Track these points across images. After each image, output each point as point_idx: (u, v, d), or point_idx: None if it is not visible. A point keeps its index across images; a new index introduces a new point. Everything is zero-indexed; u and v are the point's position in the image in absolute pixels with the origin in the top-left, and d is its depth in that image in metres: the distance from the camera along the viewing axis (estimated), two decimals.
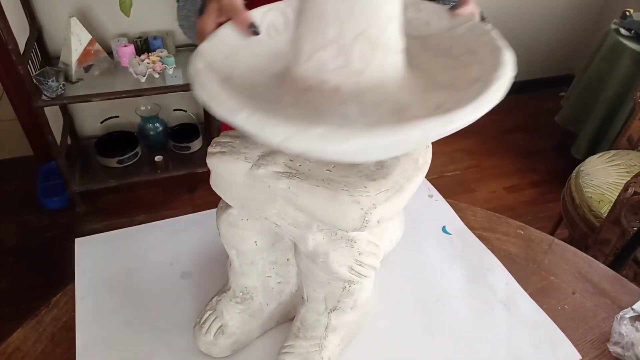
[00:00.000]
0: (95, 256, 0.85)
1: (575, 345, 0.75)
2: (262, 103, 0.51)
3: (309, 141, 0.39)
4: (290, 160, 0.55)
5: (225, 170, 0.56)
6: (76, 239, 0.88)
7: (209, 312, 0.71)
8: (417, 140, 0.42)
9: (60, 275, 1.80)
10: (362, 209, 0.51)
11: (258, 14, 0.59)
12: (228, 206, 0.63)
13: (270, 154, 0.55)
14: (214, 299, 0.72)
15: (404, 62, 0.54)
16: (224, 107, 0.43)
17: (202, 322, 0.70)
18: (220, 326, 0.69)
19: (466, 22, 0.59)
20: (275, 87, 0.54)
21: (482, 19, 0.63)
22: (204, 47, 0.52)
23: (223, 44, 0.55)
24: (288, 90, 0.52)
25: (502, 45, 0.52)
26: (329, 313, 0.67)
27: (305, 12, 0.50)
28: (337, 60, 0.49)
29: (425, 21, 0.61)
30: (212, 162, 0.57)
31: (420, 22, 0.61)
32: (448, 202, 1.01)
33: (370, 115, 0.50)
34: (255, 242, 0.64)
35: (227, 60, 0.54)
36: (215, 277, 0.80)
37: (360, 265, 0.59)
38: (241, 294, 0.70)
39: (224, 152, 0.56)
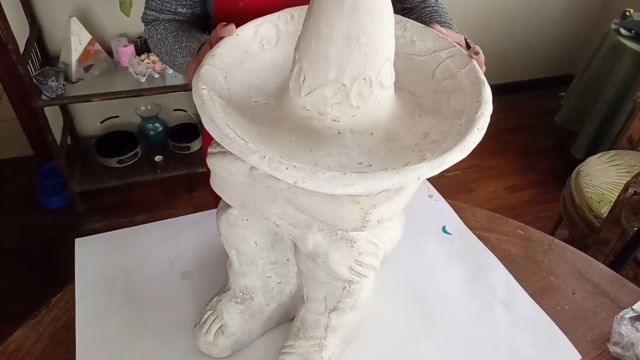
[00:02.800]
0: (95, 256, 0.85)
1: (575, 345, 0.75)
2: (263, 127, 0.54)
3: (319, 184, 0.45)
4: None
5: (225, 170, 0.56)
6: (76, 239, 0.88)
7: (209, 312, 0.71)
8: (411, 181, 0.47)
9: (60, 275, 1.80)
10: (362, 209, 0.51)
11: (251, 27, 0.61)
12: (228, 206, 0.63)
13: None
14: (214, 299, 0.72)
15: (393, 91, 0.57)
16: (236, 146, 0.46)
17: (202, 322, 0.70)
18: (220, 326, 0.69)
19: (449, 46, 0.62)
20: (272, 109, 0.57)
21: (467, 45, 0.65)
22: (205, 69, 0.55)
23: (222, 63, 0.57)
24: (287, 115, 0.56)
25: (483, 78, 0.56)
26: (329, 313, 0.67)
27: (307, 50, 0.53)
28: (336, 97, 0.53)
29: (411, 40, 0.64)
30: (212, 162, 0.57)
31: (407, 41, 0.64)
32: (448, 202, 1.01)
33: (365, 143, 0.54)
34: (255, 242, 0.64)
35: (227, 79, 0.57)
36: (216, 277, 0.80)
37: (360, 265, 0.59)
38: (241, 294, 0.70)
39: (224, 152, 0.56)
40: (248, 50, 0.60)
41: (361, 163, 0.51)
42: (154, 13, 0.82)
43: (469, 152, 0.50)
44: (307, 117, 0.55)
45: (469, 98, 0.55)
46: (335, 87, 0.53)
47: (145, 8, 0.84)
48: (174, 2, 0.81)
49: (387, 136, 0.55)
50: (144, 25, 0.85)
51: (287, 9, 0.64)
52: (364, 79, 0.53)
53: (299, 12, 0.64)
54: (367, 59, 0.52)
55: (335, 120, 0.54)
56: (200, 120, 0.54)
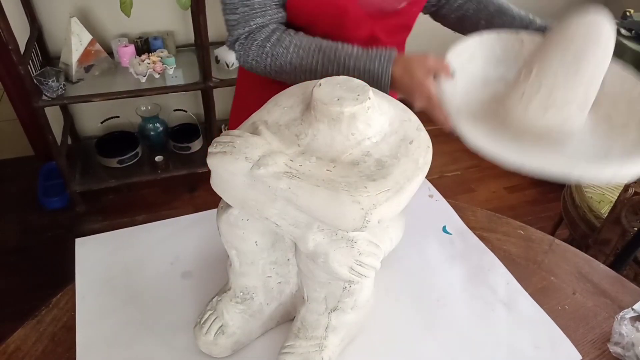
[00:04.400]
0: (96, 256, 0.85)
1: (576, 346, 0.75)
2: (503, 133, 0.70)
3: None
4: (291, 160, 0.55)
5: (226, 170, 0.56)
6: (77, 239, 0.88)
7: (210, 312, 0.71)
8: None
9: (60, 275, 1.80)
10: (362, 209, 0.51)
11: (470, 44, 0.79)
12: (228, 206, 0.63)
13: (270, 154, 0.55)
14: (214, 299, 0.72)
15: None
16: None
17: (202, 322, 0.70)
18: (221, 326, 0.69)
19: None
20: (497, 120, 0.73)
21: None
22: (445, 89, 0.70)
23: (455, 86, 0.71)
24: (521, 131, 0.71)
25: None
26: (329, 313, 0.67)
27: (558, 71, 0.68)
28: (580, 115, 0.71)
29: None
30: (212, 162, 0.57)
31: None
32: (448, 202, 1.01)
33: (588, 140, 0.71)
34: (256, 242, 0.64)
35: (464, 95, 0.73)
36: (216, 277, 0.80)
37: (360, 265, 0.59)
38: (241, 294, 0.70)
39: (225, 151, 0.56)
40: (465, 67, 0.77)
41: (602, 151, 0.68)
42: (250, 23, 0.79)
43: None
44: (545, 134, 0.71)
45: None
46: (581, 101, 0.69)
47: (232, 29, 0.80)
48: None
49: (591, 129, 0.72)
50: (234, 44, 0.82)
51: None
52: (596, 90, 0.70)
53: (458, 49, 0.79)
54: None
55: (571, 127, 0.71)
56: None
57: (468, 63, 0.78)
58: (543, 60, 0.70)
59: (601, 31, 0.66)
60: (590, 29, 0.67)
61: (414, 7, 0.90)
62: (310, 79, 0.72)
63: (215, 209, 0.67)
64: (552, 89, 0.68)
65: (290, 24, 0.85)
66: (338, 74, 0.68)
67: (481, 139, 0.66)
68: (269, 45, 0.80)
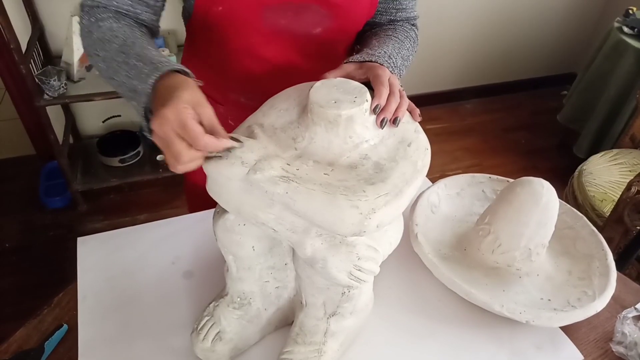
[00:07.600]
0: (97, 255, 0.85)
1: (578, 345, 0.75)
2: (463, 274, 0.80)
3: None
4: (288, 164, 0.54)
5: (221, 174, 0.55)
6: (78, 238, 0.88)
7: (207, 318, 0.69)
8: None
9: (62, 274, 1.81)
10: (361, 213, 0.51)
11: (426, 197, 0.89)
12: (224, 211, 0.61)
13: (267, 158, 0.54)
14: (211, 305, 0.71)
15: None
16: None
17: (199, 328, 0.69)
18: (218, 332, 0.68)
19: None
20: (460, 259, 0.83)
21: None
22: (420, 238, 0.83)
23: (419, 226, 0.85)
24: (476, 263, 0.81)
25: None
26: (328, 318, 0.66)
27: (505, 228, 0.78)
28: (522, 256, 0.78)
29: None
30: (208, 167, 0.56)
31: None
32: None
33: (536, 283, 0.79)
34: (253, 247, 0.63)
35: (445, 221, 0.91)
36: (217, 277, 0.80)
37: (359, 270, 0.57)
38: (239, 299, 0.69)
39: (221, 156, 0.55)
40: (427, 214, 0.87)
41: (542, 299, 0.76)
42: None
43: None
44: (496, 267, 0.80)
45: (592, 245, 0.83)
46: (523, 250, 0.77)
47: None
48: None
49: (547, 276, 0.80)
50: (80, 9, 0.72)
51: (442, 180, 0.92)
52: (542, 245, 0.78)
53: (450, 181, 0.93)
54: (548, 234, 0.78)
55: (518, 269, 0.79)
56: None
57: (457, 195, 0.93)
58: (495, 210, 0.79)
59: (540, 194, 0.75)
60: (531, 192, 0.76)
61: (333, 34, 0.82)
62: (100, 66, 0.68)
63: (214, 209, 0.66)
64: (498, 235, 0.78)
65: (204, 37, 0.82)
66: (118, 70, 0.64)
67: (430, 256, 0.79)
68: (95, 20, 0.71)
